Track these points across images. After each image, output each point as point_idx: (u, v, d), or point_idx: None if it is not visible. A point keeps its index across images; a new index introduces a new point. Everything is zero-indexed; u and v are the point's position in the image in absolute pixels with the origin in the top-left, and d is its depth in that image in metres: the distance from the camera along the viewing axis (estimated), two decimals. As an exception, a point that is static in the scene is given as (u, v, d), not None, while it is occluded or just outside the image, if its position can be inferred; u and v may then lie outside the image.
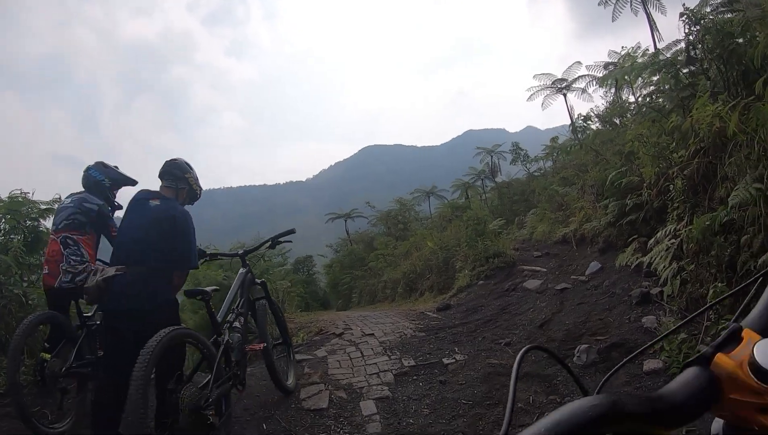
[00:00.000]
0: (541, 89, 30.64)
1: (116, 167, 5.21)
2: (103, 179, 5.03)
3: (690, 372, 0.66)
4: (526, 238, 14.29)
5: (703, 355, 0.65)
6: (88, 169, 5.04)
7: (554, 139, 23.42)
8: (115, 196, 5.15)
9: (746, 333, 0.67)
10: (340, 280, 29.03)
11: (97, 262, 4.66)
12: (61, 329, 4.51)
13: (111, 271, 3.68)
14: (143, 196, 4.08)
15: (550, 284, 8.72)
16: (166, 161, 4.34)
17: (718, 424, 0.70)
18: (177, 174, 4.25)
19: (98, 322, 4.63)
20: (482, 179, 36.84)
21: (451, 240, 14.31)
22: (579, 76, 29.77)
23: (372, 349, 6.85)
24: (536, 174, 26.28)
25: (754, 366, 0.62)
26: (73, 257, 4.63)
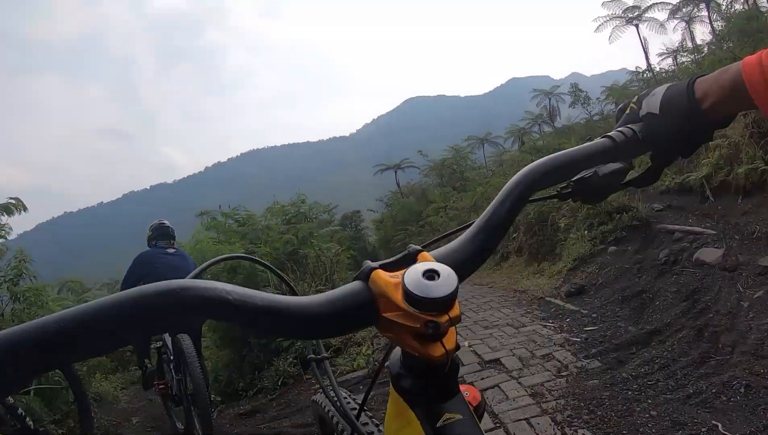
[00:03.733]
0: (610, 19, 26.22)
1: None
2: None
3: (353, 284, 0.58)
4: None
5: (363, 271, 0.58)
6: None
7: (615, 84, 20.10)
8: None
9: (423, 256, 0.60)
10: (392, 237, 25.89)
11: None
12: None
13: None
14: None
15: (741, 256, 5.33)
16: None
17: (396, 353, 0.63)
18: None
19: None
20: (539, 124, 32.72)
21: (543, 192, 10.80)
22: (652, 4, 25.30)
23: (528, 422, 3.36)
24: (596, 117, 22.62)
25: (405, 288, 0.53)
26: None
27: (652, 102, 0.82)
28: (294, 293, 0.75)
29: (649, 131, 0.82)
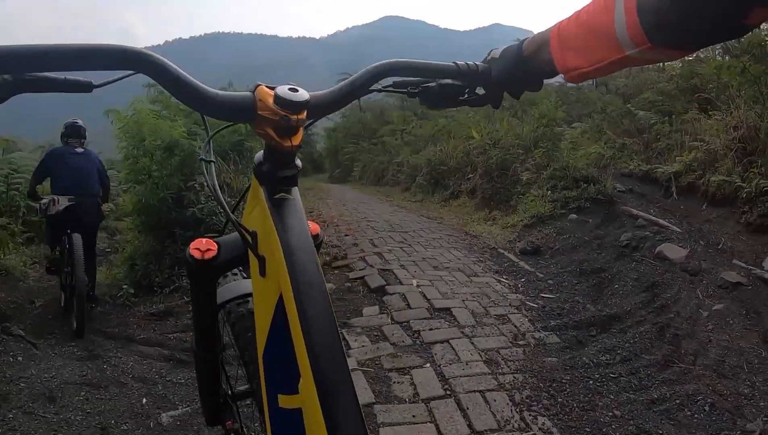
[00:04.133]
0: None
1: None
2: None
3: (245, 93, 0.82)
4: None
5: (253, 86, 0.83)
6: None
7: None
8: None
9: (296, 88, 0.83)
10: (341, 148, 25.26)
11: None
12: None
13: None
14: None
15: (705, 263, 5.11)
16: None
17: (259, 153, 0.91)
18: None
19: None
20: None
21: (511, 137, 10.30)
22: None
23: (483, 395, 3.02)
24: (570, 84, 21.96)
25: (276, 94, 0.80)
26: None
27: (497, 51, 1.06)
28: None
29: (488, 70, 1.05)
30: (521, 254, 6.10)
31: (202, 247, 1.03)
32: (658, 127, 9.45)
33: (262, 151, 0.90)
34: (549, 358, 3.50)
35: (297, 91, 0.81)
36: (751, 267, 4.88)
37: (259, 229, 0.88)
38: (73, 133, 5.55)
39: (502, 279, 5.21)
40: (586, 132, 11.45)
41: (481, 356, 3.38)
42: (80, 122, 5.72)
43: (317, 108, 0.87)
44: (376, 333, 3.71)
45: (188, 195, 6.35)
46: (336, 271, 5.19)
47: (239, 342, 1.25)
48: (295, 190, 0.90)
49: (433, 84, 1.05)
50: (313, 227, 0.98)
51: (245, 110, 0.80)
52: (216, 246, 1.04)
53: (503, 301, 4.51)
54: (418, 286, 4.61)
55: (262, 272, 0.87)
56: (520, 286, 5.06)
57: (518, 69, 1.00)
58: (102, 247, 8.68)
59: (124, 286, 5.79)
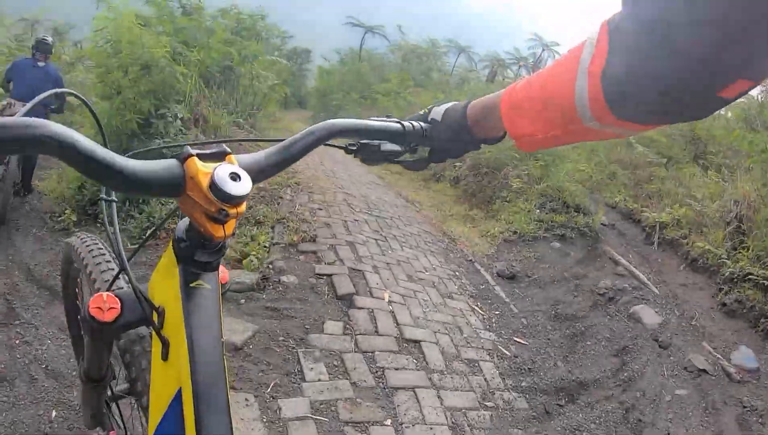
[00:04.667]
0: None
1: None
2: None
3: (171, 162, 0.71)
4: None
5: (182, 154, 0.71)
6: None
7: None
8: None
9: (229, 158, 0.74)
10: (331, 93, 24.28)
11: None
12: None
13: None
14: None
15: (676, 338, 4.87)
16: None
17: (183, 223, 0.79)
18: None
19: None
20: (519, 65, 31.13)
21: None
22: None
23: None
24: None
25: (213, 180, 0.68)
26: None
27: (438, 111, 1.02)
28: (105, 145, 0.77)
29: (430, 132, 1.01)
30: (498, 277, 5.76)
31: (104, 305, 0.90)
32: (654, 169, 9.19)
33: (185, 221, 0.79)
34: (515, 430, 3.17)
35: (239, 179, 0.71)
36: (718, 356, 4.69)
37: (167, 306, 0.82)
38: (40, 48, 6.10)
39: (476, 307, 4.87)
40: (578, 147, 11.13)
41: (446, 418, 3.03)
42: (49, 40, 6.29)
43: (252, 173, 0.76)
44: (336, 362, 3.29)
45: (157, 124, 5.71)
46: (302, 257, 4.70)
47: (130, 372, 1.14)
48: (216, 275, 0.82)
49: (375, 144, 1.00)
50: (222, 277, 0.88)
51: (170, 185, 0.71)
52: (119, 304, 0.91)
53: (476, 339, 4.18)
54: (389, 302, 4.20)
55: (164, 356, 0.80)
56: (494, 320, 4.75)
57: (462, 135, 0.98)
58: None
59: (67, 211, 5.20)
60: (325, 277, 4.36)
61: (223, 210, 0.70)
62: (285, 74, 15.11)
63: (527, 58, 31.15)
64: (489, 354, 4.05)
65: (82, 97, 1.03)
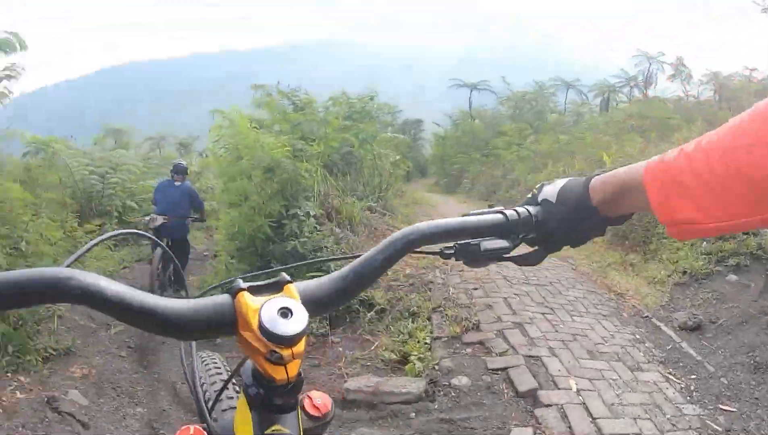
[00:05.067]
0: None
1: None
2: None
3: (222, 298, 0.64)
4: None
5: (233, 288, 0.63)
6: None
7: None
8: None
9: (287, 288, 0.65)
10: (450, 157, 23.93)
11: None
12: None
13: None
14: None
15: None
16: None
17: (250, 363, 0.68)
18: None
19: None
20: (631, 86, 29.09)
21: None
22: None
23: None
24: (691, 99, 19.45)
25: (260, 318, 0.59)
26: None
27: (550, 190, 0.85)
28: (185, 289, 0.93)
29: (543, 217, 0.83)
30: (681, 330, 4.93)
31: None
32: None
33: (250, 363, 0.68)
34: None
35: (290, 314, 0.60)
36: None
37: None
38: (177, 170, 6.98)
39: (670, 375, 4.08)
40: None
41: None
42: (183, 163, 7.30)
43: (315, 306, 0.67)
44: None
45: (290, 224, 5.48)
46: (468, 350, 4.12)
47: None
48: (295, 415, 0.68)
49: (475, 243, 0.81)
50: (321, 406, 0.80)
51: (221, 325, 0.62)
52: None
53: (680, 418, 3.42)
54: (577, 391, 3.48)
55: None
56: (692, 387, 3.94)
57: (586, 218, 0.81)
58: (200, 249, 9.36)
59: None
60: (500, 372, 3.77)
61: (275, 352, 0.59)
62: (403, 148, 15.07)
63: (636, 76, 29.02)
64: (699, 433, 3.28)
65: (148, 235, 1.07)
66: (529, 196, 0.89)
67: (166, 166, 13.53)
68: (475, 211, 0.84)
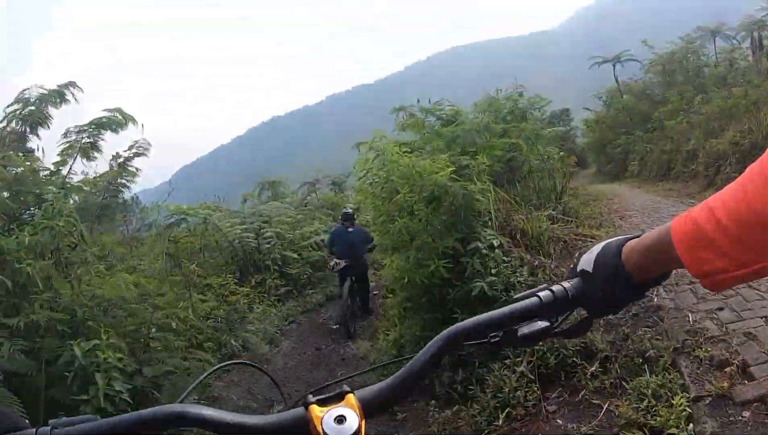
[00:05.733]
0: None
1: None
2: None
3: (297, 411, 0.74)
4: None
5: (305, 402, 0.73)
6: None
7: None
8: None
9: (348, 397, 0.73)
10: (610, 141, 21.86)
11: None
12: None
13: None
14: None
15: None
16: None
17: None
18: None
19: None
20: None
21: None
22: None
23: None
24: None
25: (322, 426, 0.69)
26: None
27: (587, 259, 0.85)
28: (284, 400, 0.97)
29: (581, 288, 0.84)
30: None
31: None
32: None
33: None
34: None
35: (344, 420, 0.71)
36: None
37: None
38: (345, 218, 8.05)
39: None
40: None
41: None
42: (350, 211, 8.45)
43: (374, 409, 0.75)
44: None
45: (472, 262, 4.31)
46: (747, 416, 2.65)
47: None
48: None
49: (513, 330, 0.83)
50: None
51: (300, 434, 0.74)
52: None
53: None
54: None
55: None
56: None
57: (621, 286, 0.81)
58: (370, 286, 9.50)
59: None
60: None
61: None
62: (555, 142, 13.49)
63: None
64: None
65: (255, 364, 1.19)
66: (572, 266, 0.89)
67: (319, 210, 13.50)
68: (517, 295, 0.86)
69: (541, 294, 0.83)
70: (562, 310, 0.84)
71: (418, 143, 6.57)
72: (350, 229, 7.86)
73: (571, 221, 6.83)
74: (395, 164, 4.74)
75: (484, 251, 4.40)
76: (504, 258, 4.61)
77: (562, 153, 10.38)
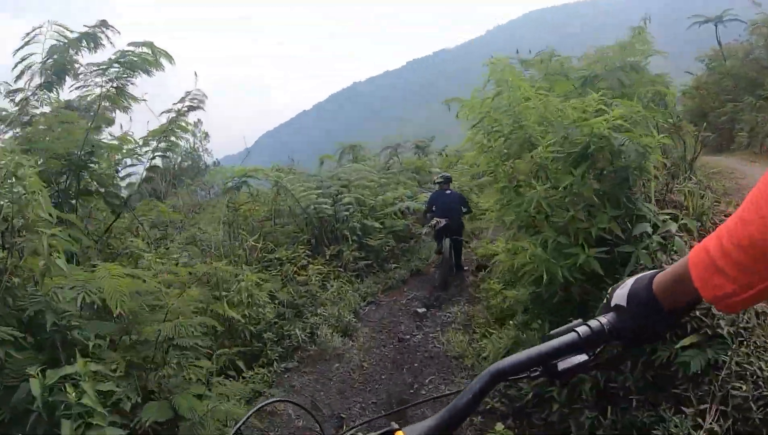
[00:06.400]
0: None
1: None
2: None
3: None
4: None
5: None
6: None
7: None
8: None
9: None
10: (713, 109, 19.42)
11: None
12: None
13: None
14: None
15: None
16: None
17: None
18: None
19: None
20: None
21: None
22: None
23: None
24: None
25: None
26: None
27: (621, 294, 0.87)
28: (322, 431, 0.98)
29: (616, 322, 0.86)
30: None
31: None
32: None
33: None
34: None
35: None
36: None
37: None
38: (444, 180, 8.47)
39: None
40: None
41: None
42: (448, 174, 8.88)
43: None
44: None
45: (636, 253, 3.08)
46: None
47: None
48: None
49: (552, 365, 0.84)
50: None
51: None
52: None
53: None
54: None
55: None
56: None
57: (656, 319, 0.85)
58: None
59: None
60: None
61: None
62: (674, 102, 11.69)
63: None
64: None
65: (295, 401, 1.39)
66: (603, 302, 0.91)
67: (402, 173, 12.65)
68: (554, 331, 0.86)
69: (579, 329, 0.85)
70: (599, 344, 0.86)
71: (540, 85, 4.94)
72: (447, 192, 8.35)
73: (704, 194, 5.35)
74: (527, 105, 3.49)
75: (656, 238, 3.14)
76: (675, 249, 3.25)
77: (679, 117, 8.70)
